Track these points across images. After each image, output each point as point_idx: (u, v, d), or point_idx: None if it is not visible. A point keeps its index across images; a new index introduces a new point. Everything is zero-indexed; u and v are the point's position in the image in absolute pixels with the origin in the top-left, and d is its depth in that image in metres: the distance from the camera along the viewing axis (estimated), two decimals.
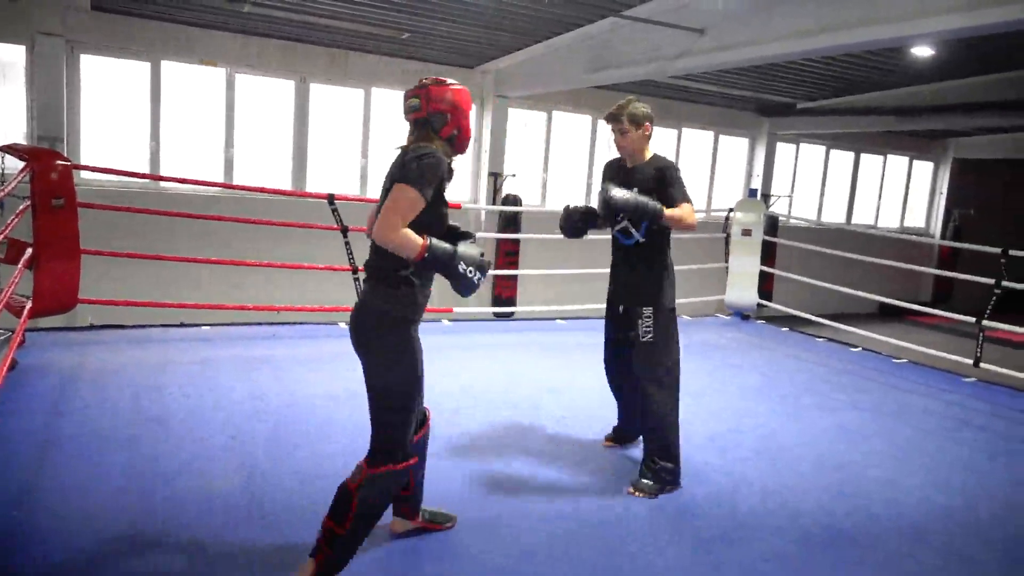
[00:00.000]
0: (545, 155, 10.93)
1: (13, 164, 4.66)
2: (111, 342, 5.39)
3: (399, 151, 2.58)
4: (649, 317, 3.49)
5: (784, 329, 7.77)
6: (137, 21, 8.04)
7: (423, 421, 2.83)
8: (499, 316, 8.97)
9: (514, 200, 9.82)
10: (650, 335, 3.49)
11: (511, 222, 9.83)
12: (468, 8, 7.22)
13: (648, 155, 3.60)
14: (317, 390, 4.50)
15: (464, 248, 2.45)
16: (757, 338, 7.38)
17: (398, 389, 2.52)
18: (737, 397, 5.18)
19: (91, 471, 3.20)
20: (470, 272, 2.44)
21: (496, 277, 9.88)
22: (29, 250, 4.34)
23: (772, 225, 8.89)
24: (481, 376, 5.20)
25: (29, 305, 4.34)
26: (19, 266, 4.22)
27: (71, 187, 4.51)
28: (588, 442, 4.03)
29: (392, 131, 9.88)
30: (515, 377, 5.24)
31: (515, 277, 9.81)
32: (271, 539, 2.68)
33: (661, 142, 11.52)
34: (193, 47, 8.38)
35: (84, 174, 7.35)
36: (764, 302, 8.20)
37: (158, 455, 3.41)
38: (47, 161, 4.47)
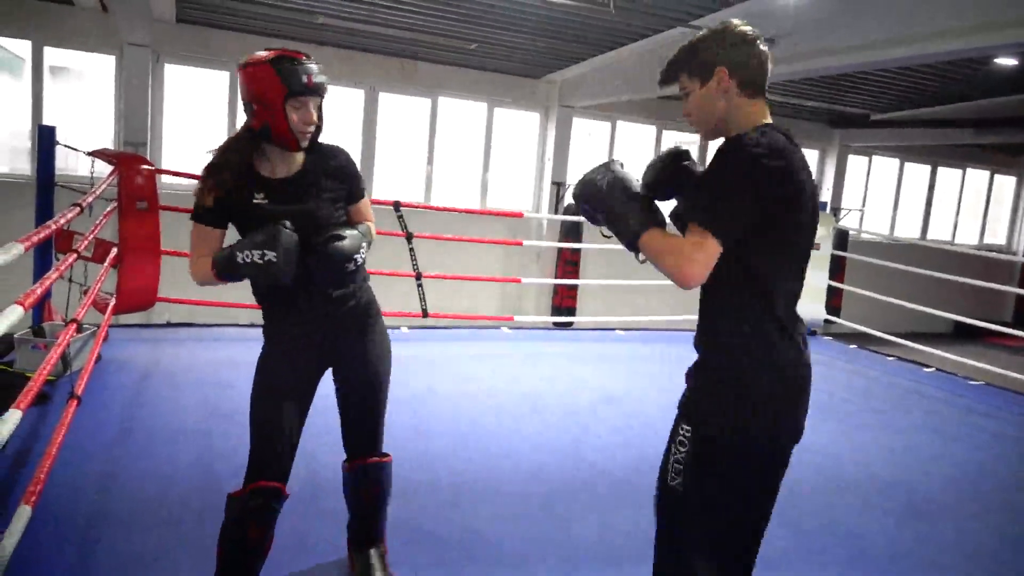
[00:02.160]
0: None
1: (101, 168, 4.92)
2: (186, 339, 5.62)
3: None
4: (685, 443, 1.75)
5: (852, 346, 7.55)
6: (217, 32, 8.40)
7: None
8: (558, 325, 8.98)
9: (575, 210, 9.84)
10: (679, 479, 1.76)
11: (573, 231, 9.84)
12: (536, 19, 7.29)
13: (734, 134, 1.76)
14: None
15: (244, 240, 2.07)
16: (823, 355, 7.18)
17: (252, 404, 2.28)
18: None
19: (165, 462, 3.35)
20: (247, 257, 2.02)
21: (557, 286, 9.88)
22: (114, 250, 4.58)
23: (842, 239, 8.66)
24: (540, 384, 5.22)
25: (113, 302, 4.57)
26: (105, 265, 4.45)
27: (154, 191, 4.74)
28: (648, 454, 4.00)
29: (458, 138, 10.03)
30: (574, 386, 5.24)
31: (575, 287, 9.80)
32: (331, 527, 2.77)
33: None
34: None
35: (165, 178, 7.70)
36: (832, 318, 7.98)
37: (226, 448, 3.54)
38: (133, 166, 4.71)
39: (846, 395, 5.71)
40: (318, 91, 2.08)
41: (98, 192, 3.96)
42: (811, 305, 7.84)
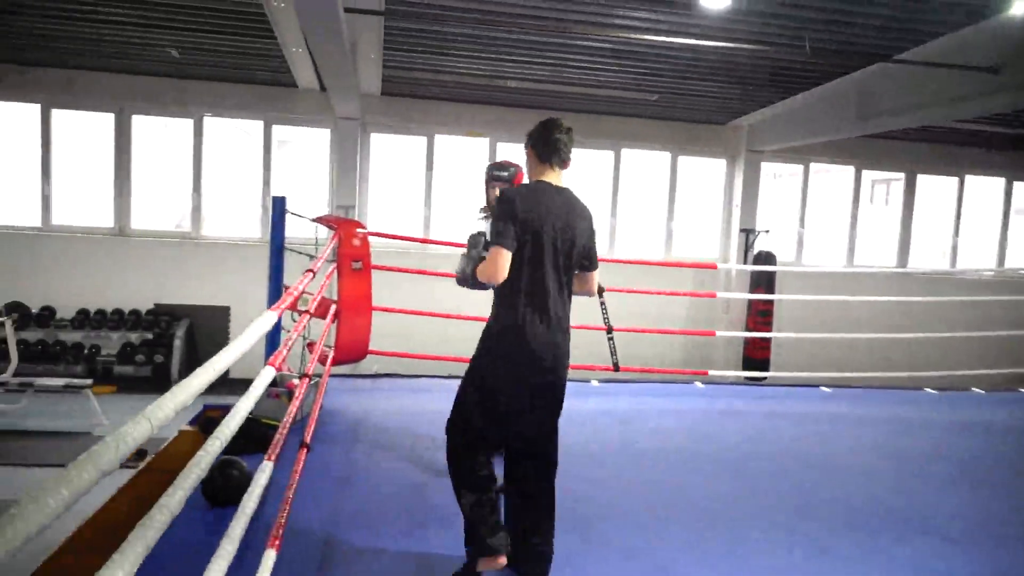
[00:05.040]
0: (801, 209, 10.38)
1: (320, 229, 5.43)
2: (390, 389, 5.98)
3: None
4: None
5: None
6: (417, 102, 9.08)
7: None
8: (751, 380, 8.56)
9: (767, 257, 9.42)
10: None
11: (764, 281, 9.41)
12: (721, 66, 7.18)
13: None
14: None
15: None
16: None
17: None
18: None
19: (379, 502, 3.57)
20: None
21: (748, 338, 9.46)
22: (333, 307, 5.00)
23: None
24: (740, 444, 4.99)
25: (332, 355, 4.98)
26: (327, 321, 4.87)
27: (368, 252, 5.14)
28: (867, 538, 3.67)
29: (642, 191, 10.03)
30: (777, 448, 4.94)
31: (768, 339, 9.33)
32: None
33: (937, 191, 10.42)
34: (461, 121, 9.25)
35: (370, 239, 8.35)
36: None
37: (432, 492, 3.70)
38: (350, 230, 5.15)
39: None
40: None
41: (323, 256, 4.36)
42: None
